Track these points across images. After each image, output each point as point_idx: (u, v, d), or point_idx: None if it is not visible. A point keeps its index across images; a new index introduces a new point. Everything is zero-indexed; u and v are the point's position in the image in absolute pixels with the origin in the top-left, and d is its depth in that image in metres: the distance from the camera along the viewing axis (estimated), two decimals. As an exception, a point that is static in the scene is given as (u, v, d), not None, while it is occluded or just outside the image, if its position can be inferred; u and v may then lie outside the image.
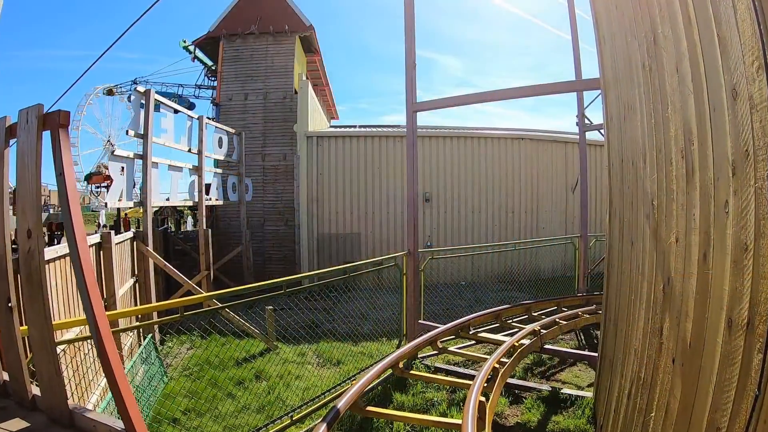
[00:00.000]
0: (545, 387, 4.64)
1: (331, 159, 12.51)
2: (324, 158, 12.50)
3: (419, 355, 5.04)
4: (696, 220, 1.92)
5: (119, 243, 5.54)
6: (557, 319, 5.03)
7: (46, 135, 1.71)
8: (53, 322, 2.67)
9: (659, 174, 2.43)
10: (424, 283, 6.36)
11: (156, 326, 6.10)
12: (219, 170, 10.47)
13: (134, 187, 7.72)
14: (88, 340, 3.37)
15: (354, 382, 2.94)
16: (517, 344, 3.98)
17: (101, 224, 18.18)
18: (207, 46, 15.24)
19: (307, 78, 13.57)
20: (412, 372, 3.86)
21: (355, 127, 16.80)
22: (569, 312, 5.53)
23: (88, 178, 20.82)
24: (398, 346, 5.88)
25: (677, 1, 2.03)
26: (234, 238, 11.90)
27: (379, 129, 14.65)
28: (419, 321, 5.67)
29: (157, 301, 7.24)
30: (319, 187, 12.43)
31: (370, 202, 12.45)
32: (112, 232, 4.93)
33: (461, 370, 5.20)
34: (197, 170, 8.65)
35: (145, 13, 6.22)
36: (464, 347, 5.87)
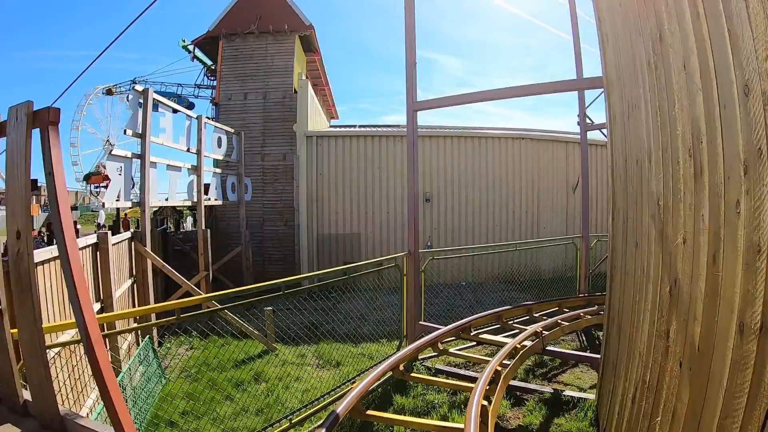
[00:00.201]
0: (547, 389, 4.59)
1: (331, 159, 12.46)
2: (324, 158, 12.44)
3: (420, 357, 4.99)
4: (705, 220, 1.86)
5: (117, 243, 5.48)
6: (559, 320, 4.98)
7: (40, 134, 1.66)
8: (46, 325, 2.62)
9: (665, 173, 2.38)
10: (424, 284, 6.31)
11: (154, 328, 6.05)
12: (218, 170, 10.42)
13: (133, 187, 7.68)
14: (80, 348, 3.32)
15: (354, 385, 2.89)
16: (519, 346, 3.93)
17: (100, 224, 18.13)
18: (206, 45, 15.19)
19: (306, 77, 13.52)
20: (412, 375, 3.81)
21: (355, 126, 16.76)
22: (571, 313, 5.48)
23: (87, 178, 20.77)
24: (398, 347, 5.83)
25: (685, -4, 1.98)
26: (233, 239, 11.85)
27: (379, 129, 14.60)
28: (420, 322, 5.62)
29: (156, 301, 7.19)
30: (319, 187, 12.38)
31: (370, 202, 12.40)
32: (109, 232, 4.88)
33: (462, 371, 5.15)
34: (196, 170, 8.59)
35: (140, 14, 6.17)
36: (465, 348, 5.82)
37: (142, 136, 6.69)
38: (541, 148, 12.85)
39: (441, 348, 4.35)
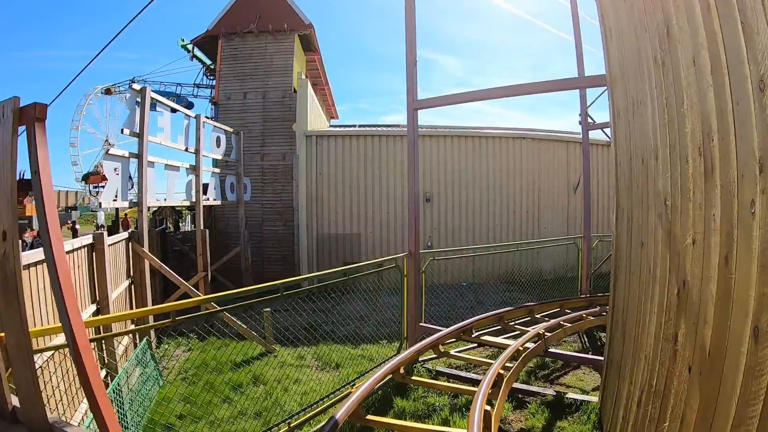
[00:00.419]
0: (549, 392, 4.53)
1: (331, 159, 12.40)
2: (323, 158, 12.39)
3: (420, 359, 4.93)
4: (716, 220, 1.80)
5: (113, 244, 5.42)
6: (561, 322, 4.92)
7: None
8: (36, 328, 2.56)
9: (673, 172, 2.32)
10: (424, 285, 6.25)
11: (151, 330, 5.98)
12: (217, 170, 10.36)
13: (132, 187, 7.61)
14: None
15: (354, 389, 2.83)
16: (521, 348, 3.87)
17: (99, 225, 18.07)
18: (206, 44, 15.13)
19: (306, 77, 13.46)
20: (413, 378, 3.75)
21: (354, 126, 16.71)
22: (573, 314, 5.43)
23: (86, 177, 20.71)
24: (399, 349, 5.77)
25: (694, -11, 1.91)
26: (232, 239, 11.79)
27: (379, 128, 14.55)
28: (420, 323, 5.56)
29: (154, 302, 7.13)
30: (319, 187, 12.32)
31: (370, 202, 12.34)
32: (105, 232, 4.81)
33: (463, 374, 5.09)
34: (194, 170, 8.53)
35: (137, 15, 6.12)
36: (466, 350, 5.76)
37: (140, 136, 6.62)
38: (542, 147, 12.79)
39: (442, 350, 4.29)
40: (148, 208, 8.30)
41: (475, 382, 4.74)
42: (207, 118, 10.70)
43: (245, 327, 6.58)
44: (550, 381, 5.23)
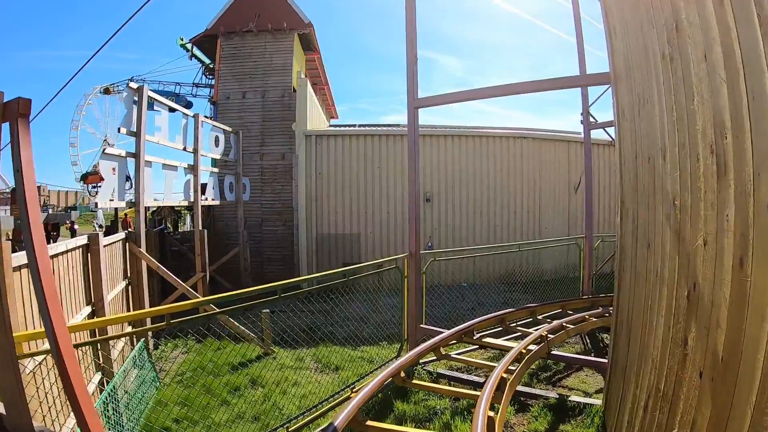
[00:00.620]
0: (552, 394, 4.46)
1: (331, 158, 12.33)
2: (323, 157, 12.31)
3: (421, 361, 4.86)
4: (730, 221, 1.73)
5: (109, 244, 5.35)
6: (564, 323, 4.85)
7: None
8: (23, 333, 2.48)
9: (683, 171, 2.25)
10: (425, 285, 6.18)
11: (149, 332, 5.90)
12: (215, 170, 10.28)
13: (131, 186, 7.53)
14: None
15: (353, 394, 2.76)
16: (524, 351, 3.80)
17: (98, 225, 18.00)
18: (205, 43, 15.05)
19: (305, 76, 13.39)
20: (414, 381, 3.68)
21: (354, 126, 16.63)
22: (576, 315, 5.35)
23: (84, 177, 20.64)
24: (399, 351, 5.70)
25: (706, -18, 1.84)
26: (231, 239, 11.72)
27: (380, 128, 14.48)
28: (421, 325, 5.49)
29: (151, 303, 7.06)
30: (318, 186, 12.25)
31: (370, 202, 12.27)
32: (100, 233, 4.75)
33: (464, 376, 5.02)
34: (193, 169, 8.45)
35: (134, 14, 6.05)
36: (467, 352, 5.69)
37: (137, 135, 6.55)
38: (543, 147, 12.73)
39: (443, 353, 4.22)
40: (146, 208, 8.23)
41: (477, 385, 4.67)
42: (206, 117, 10.63)
43: (243, 329, 6.51)
44: (552, 383, 5.16)
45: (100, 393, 4.11)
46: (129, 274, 6.43)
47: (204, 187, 9.28)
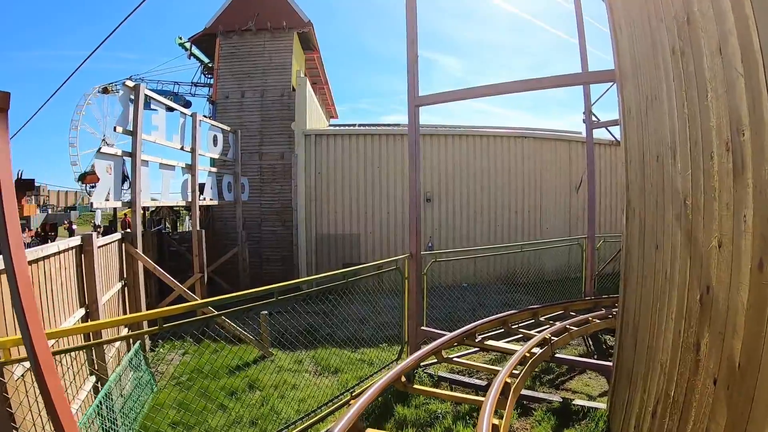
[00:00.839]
0: (556, 398, 4.38)
1: (330, 158, 12.24)
2: (323, 157, 12.23)
3: (421, 363, 4.77)
4: (748, 222, 1.65)
5: (105, 245, 5.26)
6: (567, 326, 4.76)
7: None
8: (14, 337, 2.40)
9: (695, 170, 2.16)
10: (426, 287, 6.09)
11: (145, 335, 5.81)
12: (214, 169, 10.19)
13: (129, 187, 7.44)
14: (61, 355, 3.10)
15: (353, 401, 2.68)
16: (528, 354, 3.72)
17: (96, 225, 17.91)
18: (203, 42, 14.96)
19: (305, 75, 13.30)
20: (415, 387, 3.59)
21: (354, 125, 16.55)
22: (579, 317, 5.27)
23: (83, 177, 20.53)
24: (399, 353, 5.61)
25: (720, -29, 1.76)
26: (230, 239, 11.63)
27: (380, 128, 14.41)
28: (422, 327, 5.40)
29: (148, 305, 6.97)
30: (318, 186, 12.16)
31: (370, 202, 12.19)
32: (94, 233, 4.65)
33: (466, 379, 4.94)
34: (190, 169, 8.36)
35: (127, 17, 5.96)
36: (468, 354, 5.60)
37: (133, 134, 6.45)
38: (544, 147, 12.65)
39: (444, 356, 4.14)
40: (143, 208, 8.13)
41: (479, 389, 4.59)
42: (204, 116, 10.54)
43: (241, 330, 6.42)
44: (555, 386, 5.08)
45: (95, 396, 4.02)
46: (125, 275, 6.33)
47: (202, 186, 9.19)
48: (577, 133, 13.22)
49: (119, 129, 6.28)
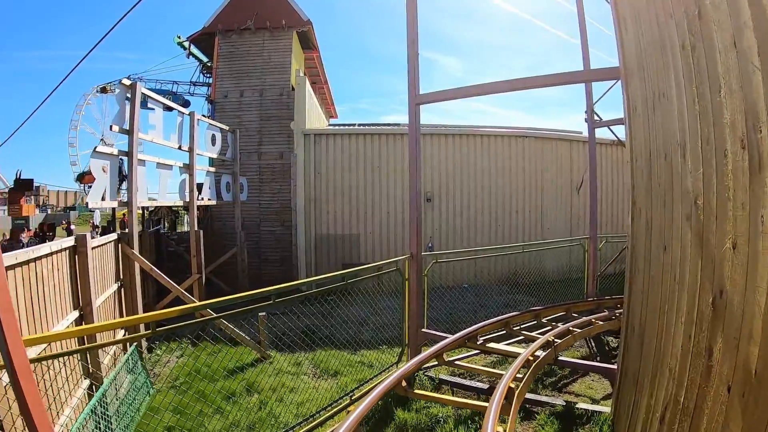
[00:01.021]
0: (559, 401, 4.30)
1: (330, 158, 12.16)
2: (322, 157, 12.15)
3: (422, 366, 4.69)
4: (765, 222, 1.57)
5: (100, 246, 5.18)
6: (571, 328, 4.69)
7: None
8: None
9: (707, 169, 2.08)
10: (427, 288, 6.01)
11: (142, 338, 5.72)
12: (212, 169, 10.11)
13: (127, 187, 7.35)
14: (47, 361, 3.02)
15: (352, 407, 2.61)
16: (531, 357, 3.64)
17: (95, 225, 17.82)
18: (202, 42, 14.88)
19: (304, 74, 13.22)
20: (417, 392, 3.51)
21: (354, 125, 16.47)
22: (582, 319, 5.20)
23: (81, 177, 20.44)
24: (399, 356, 5.53)
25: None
26: (229, 240, 11.55)
27: (379, 127, 14.32)
28: (423, 330, 5.32)
29: (145, 306, 6.89)
30: (317, 186, 12.08)
31: (370, 202, 12.11)
32: (88, 234, 4.57)
33: (467, 382, 4.86)
34: (188, 168, 8.27)
35: (122, 18, 5.89)
36: (469, 356, 5.53)
37: (130, 133, 6.37)
38: (545, 146, 12.57)
39: (446, 359, 4.06)
40: (141, 208, 8.05)
41: (481, 392, 4.51)
42: (203, 116, 10.45)
43: (239, 332, 6.34)
44: (558, 389, 5.00)
45: (89, 399, 3.94)
46: (122, 277, 6.25)
47: (200, 186, 9.11)
48: (578, 133, 13.16)
49: (115, 128, 6.20)
